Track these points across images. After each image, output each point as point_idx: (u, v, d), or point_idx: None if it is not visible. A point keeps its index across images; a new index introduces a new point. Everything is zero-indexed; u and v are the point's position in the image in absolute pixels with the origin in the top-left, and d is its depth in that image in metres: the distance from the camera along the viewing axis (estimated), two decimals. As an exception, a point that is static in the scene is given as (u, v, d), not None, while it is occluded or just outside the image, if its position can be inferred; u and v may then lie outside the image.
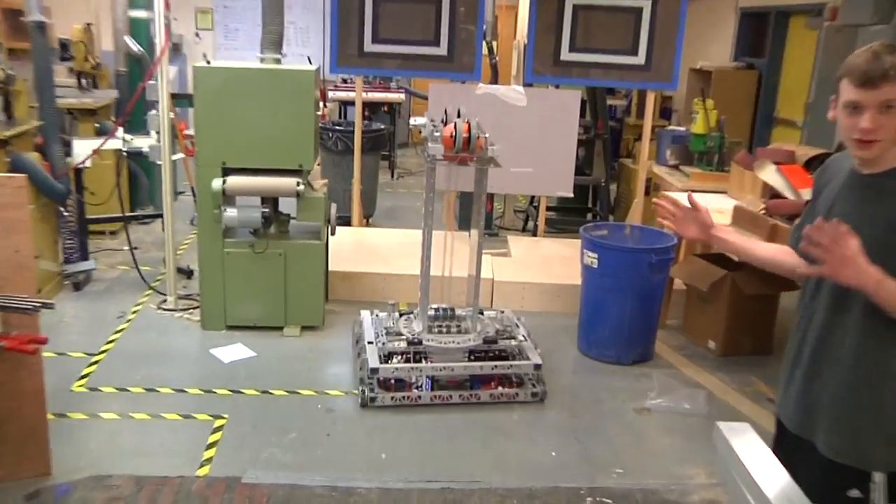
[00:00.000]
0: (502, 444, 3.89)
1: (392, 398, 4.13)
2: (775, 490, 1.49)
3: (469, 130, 3.86)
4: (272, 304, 5.00)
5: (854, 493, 2.02)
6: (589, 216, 7.79)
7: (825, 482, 2.01)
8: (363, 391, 4.13)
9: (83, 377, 4.37)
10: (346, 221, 6.34)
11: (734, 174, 5.42)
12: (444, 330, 4.29)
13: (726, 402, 4.43)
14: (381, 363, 4.13)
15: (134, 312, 5.36)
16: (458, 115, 3.99)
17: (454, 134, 3.83)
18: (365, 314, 4.66)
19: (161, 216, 5.74)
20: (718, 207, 4.91)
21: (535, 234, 6.94)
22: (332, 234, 5.11)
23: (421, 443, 3.87)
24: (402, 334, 4.30)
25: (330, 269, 5.40)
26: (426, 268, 4.16)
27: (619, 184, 7.90)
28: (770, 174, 4.77)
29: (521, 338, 4.39)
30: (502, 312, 4.68)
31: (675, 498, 3.51)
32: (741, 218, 4.51)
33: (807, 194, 4.37)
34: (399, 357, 4.21)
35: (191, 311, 5.36)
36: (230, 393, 4.29)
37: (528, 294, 5.57)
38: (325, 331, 5.13)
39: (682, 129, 6.62)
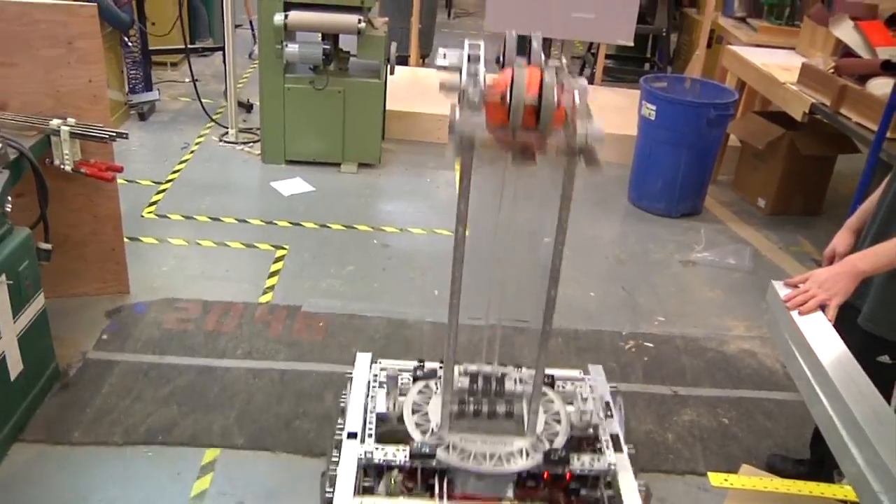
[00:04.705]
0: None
1: None
2: (826, 351, 1.58)
3: (541, 85, 1.63)
4: (331, 140, 5.08)
5: (884, 358, 2.18)
6: (647, 66, 7.60)
7: (861, 347, 2.10)
8: None
9: (152, 204, 4.57)
10: (403, 60, 6.29)
11: (805, 29, 5.22)
12: (482, 420, 2.10)
13: (770, 260, 4.48)
14: (357, 490, 1.95)
15: (196, 144, 5.47)
16: (528, 51, 1.76)
17: (509, 94, 1.65)
18: (361, 361, 2.38)
19: (220, 49, 5.78)
20: (785, 65, 4.80)
21: (591, 83, 6.68)
22: (392, 72, 5.08)
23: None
24: (405, 428, 2.10)
25: (387, 108, 5.39)
26: (454, 318, 1.93)
27: (680, 34, 7.58)
28: (846, 31, 4.56)
29: (612, 446, 2.11)
30: (586, 377, 2.37)
31: (713, 346, 3.67)
32: (808, 77, 4.34)
33: (884, 53, 4.21)
34: (392, 480, 2.05)
35: (251, 144, 5.46)
36: (290, 225, 4.42)
37: (582, 142, 5.52)
38: (380, 168, 5.24)
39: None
